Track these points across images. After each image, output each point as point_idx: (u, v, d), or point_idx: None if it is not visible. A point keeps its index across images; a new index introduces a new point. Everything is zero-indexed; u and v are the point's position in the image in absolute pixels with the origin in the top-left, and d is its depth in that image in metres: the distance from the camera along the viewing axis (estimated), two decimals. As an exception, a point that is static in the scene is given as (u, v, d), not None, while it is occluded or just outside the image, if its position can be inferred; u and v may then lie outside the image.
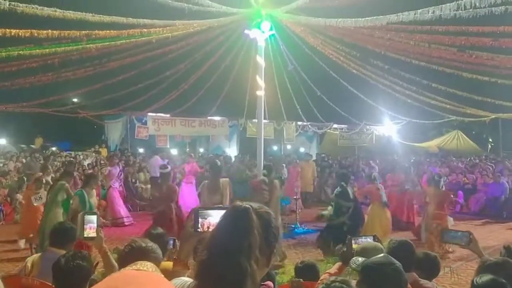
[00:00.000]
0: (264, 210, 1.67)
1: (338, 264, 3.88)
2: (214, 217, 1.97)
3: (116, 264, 3.60)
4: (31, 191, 9.50)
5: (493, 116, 21.31)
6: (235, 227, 1.56)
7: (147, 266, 1.70)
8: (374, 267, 2.50)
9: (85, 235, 3.69)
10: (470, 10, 7.23)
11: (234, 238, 1.54)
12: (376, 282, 2.44)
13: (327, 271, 3.87)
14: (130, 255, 2.85)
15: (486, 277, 2.85)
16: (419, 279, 3.71)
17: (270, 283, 2.72)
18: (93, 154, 20.50)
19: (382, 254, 2.72)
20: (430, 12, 7.57)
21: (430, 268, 4.03)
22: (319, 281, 3.69)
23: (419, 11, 7.67)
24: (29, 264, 4.17)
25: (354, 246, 3.76)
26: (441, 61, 12.56)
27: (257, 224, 1.59)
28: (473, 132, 31.32)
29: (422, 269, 3.92)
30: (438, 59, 12.46)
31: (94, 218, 3.68)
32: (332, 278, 2.80)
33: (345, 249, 3.85)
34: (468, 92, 15.92)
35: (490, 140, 33.13)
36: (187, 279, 1.90)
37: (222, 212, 1.85)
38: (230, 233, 1.56)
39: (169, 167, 9.84)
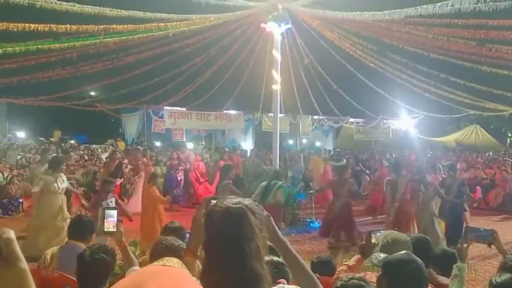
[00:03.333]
0: (250, 202, 1.63)
1: (356, 256, 3.88)
2: None
3: (134, 258, 3.63)
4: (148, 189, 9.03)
5: (512, 111, 21.02)
6: (240, 231, 1.50)
7: (173, 261, 1.70)
8: (395, 263, 2.50)
9: (105, 230, 3.73)
10: (490, 3, 7.15)
11: (242, 243, 1.49)
12: (397, 279, 2.44)
13: (345, 263, 3.88)
14: (164, 254, 2.88)
15: (505, 276, 2.83)
16: (436, 275, 3.69)
17: (283, 280, 2.72)
18: (110, 147, 20.65)
19: (404, 251, 2.71)
20: (449, 5, 7.49)
21: (448, 265, 3.99)
22: (336, 272, 3.69)
23: (438, 4, 7.59)
24: (48, 257, 4.22)
25: (373, 240, 3.75)
26: (459, 55, 12.42)
27: (255, 220, 1.56)
28: (492, 127, 30.87)
29: (439, 266, 3.90)
30: (457, 53, 12.32)
31: (114, 212, 3.71)
32: (350, 275, 2.80)
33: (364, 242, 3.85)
34: (487, 86, 15.73)
35: (509, 134, 32.66)
36: None
37: None
38: (236, 238, 1.49)
39: (345, 160, 9.86)
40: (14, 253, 1.03)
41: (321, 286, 1.85)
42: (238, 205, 1.56)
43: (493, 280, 2.84)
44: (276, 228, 1.85)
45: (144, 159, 13.26)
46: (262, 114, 22.19)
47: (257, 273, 1.47)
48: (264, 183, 9.71)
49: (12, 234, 1.04)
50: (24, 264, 1.06)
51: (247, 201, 1.62)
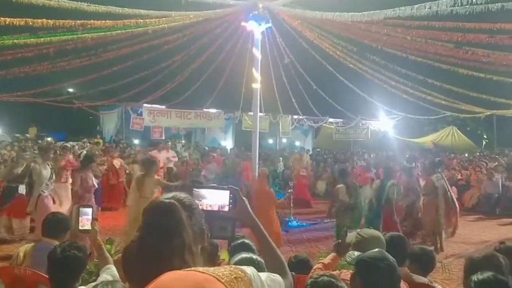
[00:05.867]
0: (184, 196, 1.64)
1: (332, 254, 3.91)
2: (208, 199, 1.85)
3: (109, 256, 3.60)
4: None
5: (488, 113, 21.44)
6: (165, 227, 1.51)
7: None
8: (368, 261, 2.53)
9: (80, 228, 3.69)
10: (467, 6, 7.23)
11: (164, 239, 1.49)
12: (369, 276, 2.47)
13: (320, 261, 3.91)
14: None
15: (486, 274, 2.85)
16: (411, 274, 3.74)
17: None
18: (88, 144, 20.41)
19: (377, 249, 2.73)
20: (427, 8, 7.57)
21: (426, 263, 4.07)
22: (312, 270, 3.72)
23: (416, 6, 7.67)
24: (21, 254, 4.16)
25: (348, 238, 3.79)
26: (437, 57, 12.59)
27: (185, 215, 1.56)
28: (468, 128, 31.39)
29: (417, 264, 3.97)
30: (434, 55, 12.48)
31: (89, 210, 3.69)
32: (321, 272, 2.82)
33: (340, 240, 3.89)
34: (463, 88, 15.97)
35: (485, 136, 33.24)
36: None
37: (220, 192, 1.82)
38: (161, 234, 1.49)
39: (414, 164, 10.11)
40: None
41: (287, 267, 1.83)
42: (167, 200, 1.57)
43: (475, 278, 2.86)
44: (250, 209, 1.86)
45: (70, 157, 11.25)
46: (242, 113, 22.18)
47: (174, 268, 1.42)
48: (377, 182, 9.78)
49: None
50: None
51: (182, 195, 1.62)
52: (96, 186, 8.83)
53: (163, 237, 1.49)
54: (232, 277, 1.36)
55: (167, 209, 1.54)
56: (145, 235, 1.52)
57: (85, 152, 12.98)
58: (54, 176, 9.04)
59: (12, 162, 10.39)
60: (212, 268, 1.39)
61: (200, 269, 1.38)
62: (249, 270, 1.46)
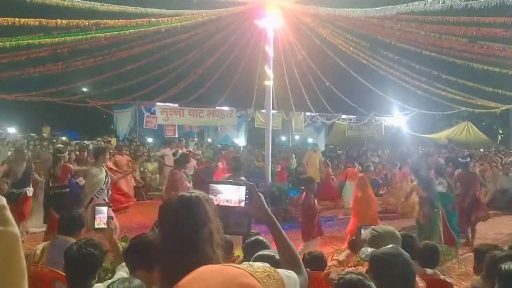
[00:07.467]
0: (203, 193, 1.72)
1: (347, 251, 3.91)
2: (224, 194, 1.85)
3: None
4: None
5: (504, 108, 21.16)
6: (194, 216, 1.61)
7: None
8: (382, 257, 2.51)
9: (95, 226, 3.72)
10: (482, 0, 7.15)
11: (196, 228, 1.59)
12: (383, 272, 2.45)
13: (335, 258, 3.91)
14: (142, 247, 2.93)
15: None
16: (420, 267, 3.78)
17: None
18: (103, 143, 20.56)
19: (391, 245, 2.72)
20: (440, 2, 7.49)
21: (431, 258, 4.18)
22: (327, 267, 3.71)
23: (429, 1, 7.59)
24: (38, 252, 4.20)
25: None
26: (451, 52, 12.45)
27: (209, 207, 1.66)
28: (483, 124, 31.08)
29: (423, 259, 4.06)
30: (449, 50, 12.35)
31: (104, 209, 3.72)
32: (349, 269, 2.81)
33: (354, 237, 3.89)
34: (478, 83, 15.79)
35: (500, 131, 32.87)
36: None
37: (236, 187, 1.84)
38: (191, 223, 1.60)
39: (468, 158, 10.16)
40: (6, 217, 1.07)
41: (302, 264, 1.84)
42: (192, 194, 1.67)
43: (503, 268, 2.84)
44: (266, 205, 1.88)
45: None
46: (254, 111, 22.18)
47: (208, 256, 1.57)
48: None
49: (4, 201, 1.07)
50: (16, 229, 1.09)
51: (198, 192, 1.71)
52: (190, 185, 8.60)
53: (193, 227, 1.59)
54: (265, 274, 1.43)
55: (195, 201, 1.64)
56: (174, 228, 1.62)
57: (180, 151, 12.69)
58: (109, 180, 7.92)
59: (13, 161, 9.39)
60: (245, 265, 1.47)
61: (235, 264, 1.47)
62: (281, 271, 1.52)
